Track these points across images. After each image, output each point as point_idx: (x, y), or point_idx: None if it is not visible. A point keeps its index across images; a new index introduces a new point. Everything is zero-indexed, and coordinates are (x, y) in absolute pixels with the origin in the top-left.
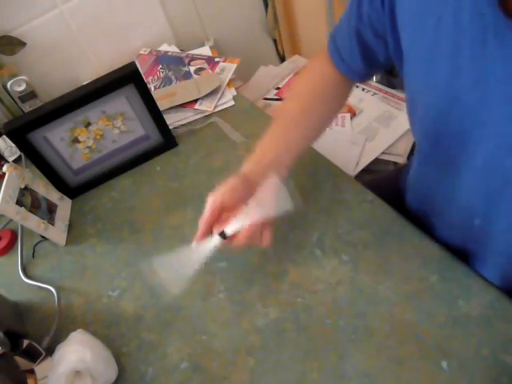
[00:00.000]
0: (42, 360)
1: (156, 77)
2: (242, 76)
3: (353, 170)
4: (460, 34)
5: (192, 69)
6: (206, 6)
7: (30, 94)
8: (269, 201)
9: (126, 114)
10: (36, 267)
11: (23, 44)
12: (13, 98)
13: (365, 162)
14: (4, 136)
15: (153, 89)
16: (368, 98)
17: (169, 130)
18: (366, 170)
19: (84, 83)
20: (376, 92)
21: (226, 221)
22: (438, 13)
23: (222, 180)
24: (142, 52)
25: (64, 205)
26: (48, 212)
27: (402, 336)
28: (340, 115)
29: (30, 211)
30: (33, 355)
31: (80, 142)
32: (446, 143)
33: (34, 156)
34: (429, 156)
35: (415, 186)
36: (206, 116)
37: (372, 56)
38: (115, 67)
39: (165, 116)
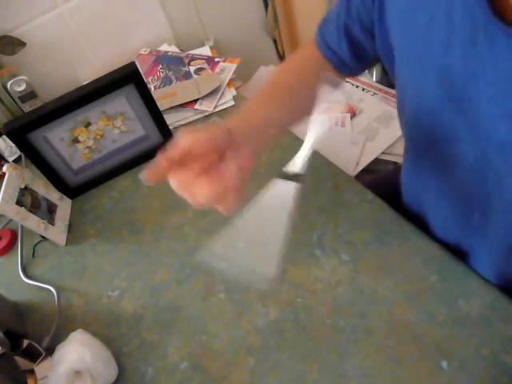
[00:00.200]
0: (42, 360)
1: (156, 77)
2: (242, 76)
3: (353, 170)
4: (451, 32)
5: (192, 69)
6: (206, 6)
7: (30, 94)
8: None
9: (125, 114)
10: (36, 267)
11: (23, 44)
12: (13, 98)
13: (365, 161)
14: (4, 136)
15: (153, 89)
16: (368, 98)
17: (169, 130)
18: (366, 170)
19: (84, 83)
20: (376, 92)
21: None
22: (431, 11)
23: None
24: (142, 52)
25: (64, 205)
26: (48, 212)
27: (402, 336)
28: (340, 115)
29: (30, 211)
30: (33, 355)
31: (80, 142)
32: (439, 142)
33: (33, 156)
34: (421, 155)
35: (409, 184)
36: (206, 116)
37: (361, 51)
38: (115, 67)
39: (165, 116)
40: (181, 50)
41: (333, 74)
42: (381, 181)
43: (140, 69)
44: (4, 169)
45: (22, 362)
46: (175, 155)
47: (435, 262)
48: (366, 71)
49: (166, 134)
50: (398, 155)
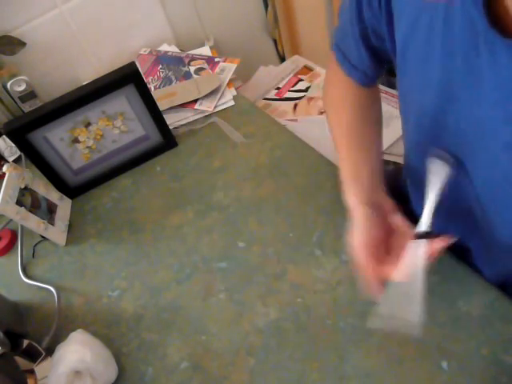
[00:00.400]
0: (42, 360)
1: (156, 77)
2: (242, 76)
3: None
4: (451, 39)
5: (192, 69)
6: (206, 6)
7: (29, 94)
8: None
9: (125, 114)
10: (36, 267)
11: (23, 44)
12: (13, 98)
13: None
14: (4, 136)
15: (153, 89)
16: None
17: (169, 129)
18: None
19: (84, 83)
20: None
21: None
22: (431, 14)
23: (221, 179)
24: (142, 52)
25: (64, 205)
26: (48, 212)
27: (402, 336)
28: None
29: (30, 211)
30: (33, 355)
31: (80, 142)
32: (445, 143)
33: (34, 156)
34: (424, 155)
35: (416, 182)
36: (206, 116)
37: (380, 56)
38: (115, 67)
39: (165, 116)
40: (181, 49)
41: (356, 90)
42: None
43: (140, 69)
44: (4, 169)
45: (22, 362)
46: (371, 262)
47: (435, 262)
48: None
49: (165, 134)
50: (397, 155)
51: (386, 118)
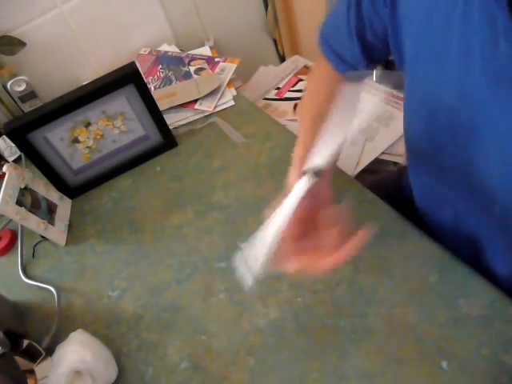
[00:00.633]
0: (41, 360)
1: (156, 77)
2: (242, 76)
3: (353, 170)
4: (470, 35)
5: (192, 69)
6: (206, 6)
7: (30, 94)
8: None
9: (125, 114)
10: (36, 267)
11: (23, 44)
12: (13, 98)
13: (365, 162)
14: (4, 136)
15: (153, 89)
16: (368, 98)
17: (169, 129)
18: (366, 170)
19: (84, 83)
20: (376, 92)
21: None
22: (447, 13)
23: (221, 179)
24: (142, 52)
25: (64, 205)
26: (48, 212)
27: (402, 336)
28: None
29: (30, 211)
30: (33, 355)
31: (80, 142)
32: (460, 138)
33: (34, 156)
34: (436, 152)
35: (417, 183)
36: (206, 116)
37: (374, 54)
38: (115, 67)
39: (165, 116)
40: (181, 50)
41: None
42: (383, 181)
43: (140, 69)
44: (4, 169)
45: (22, 362)
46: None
47: (435, 261)
48: None
49: (165, 133)
50: (397, 155)
51: (386, 117)
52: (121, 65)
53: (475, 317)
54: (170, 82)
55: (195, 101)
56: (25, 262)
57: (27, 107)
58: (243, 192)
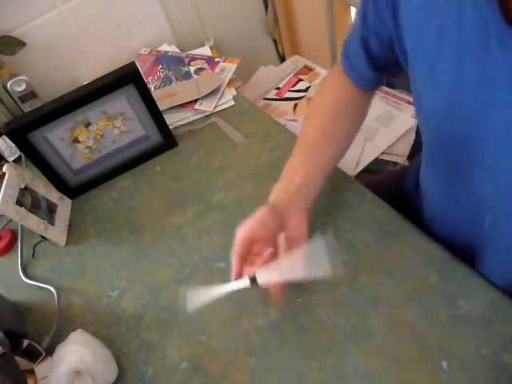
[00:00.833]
0: (42, 360)
1: (156, 77)
2: (242, 76)
3: (353, 169)
4: (463, 38)
5: (192, 69)
6: (206, 6)
7: (30, 94)
8: (304, 263)
9: (125, 114)
10: (36, 267)
11: (23, 44)
12: (13, 98)
13: (365, 161)
14: (4, 136)
15: (153, 89)
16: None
17: (169, 129)
18: (366, 170)
19: (84, 83)
20: (376, 92)
21: (256, 260)
22: (441, 16)
23: (221, 179)
24: (142, 52)
25: (64, 205)
26: (48, 212)
27: (402, 336)
28: None
29: (30, 211)
30: (33, 355)
31: (80, 142)
32: (453, 143)
33: (33, 156)
34: (434, 158)
35: (424, 184)
36: (206, 116)
37: (380, 62)
38: (115, 67)
39: (165, 116)
40: (181, 50)
41: (362, 96)
42: (384, 181)
43: (140, 69)
44: (4, 169)
45: (22, 362)
46: (243, 251)
47: (435, 261)
48: None
49: (165, 133)
50: (397, 155)
51: (386, 117)
52: (121, 65)
53: (475, 317)
54: (170, 82)
55: (195, 101)
56: (25, 262)
57: (27, 107)
58: (243, 192)
